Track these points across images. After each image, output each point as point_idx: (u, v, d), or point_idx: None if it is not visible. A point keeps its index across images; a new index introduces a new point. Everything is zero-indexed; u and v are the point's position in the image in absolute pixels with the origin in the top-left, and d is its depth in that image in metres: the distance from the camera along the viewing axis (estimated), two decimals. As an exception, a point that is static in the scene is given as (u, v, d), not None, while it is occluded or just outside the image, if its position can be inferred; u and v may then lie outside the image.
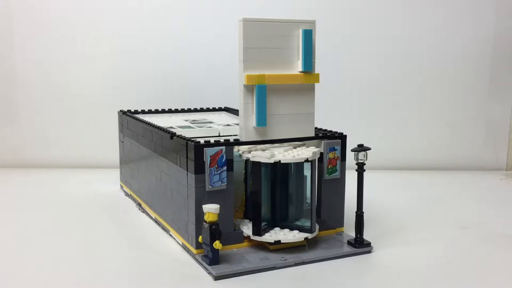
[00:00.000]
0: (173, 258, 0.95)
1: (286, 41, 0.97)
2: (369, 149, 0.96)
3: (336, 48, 1.64)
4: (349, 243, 0.98)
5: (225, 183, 0.93)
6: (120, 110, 1.40)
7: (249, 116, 0.96)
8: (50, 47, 1.64)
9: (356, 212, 0.98)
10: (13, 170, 1.64)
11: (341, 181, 1.04)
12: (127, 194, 1.36)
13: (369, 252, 0.97)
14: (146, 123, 1.18)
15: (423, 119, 1.70)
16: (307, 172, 0.99)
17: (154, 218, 1.15)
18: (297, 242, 0.95)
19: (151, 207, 1.16)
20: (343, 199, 1.05)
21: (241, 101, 0.95)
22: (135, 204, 1.27)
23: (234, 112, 1.43)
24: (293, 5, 1.62)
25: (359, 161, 0.96)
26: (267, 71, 0.96)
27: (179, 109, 1.46)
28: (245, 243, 0.97)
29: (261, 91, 0.94)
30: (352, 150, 0.96)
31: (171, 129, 1.13)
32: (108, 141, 1.57)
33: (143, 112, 1.41)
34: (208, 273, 0.88)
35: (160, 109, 1.44)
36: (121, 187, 1.41)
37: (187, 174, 0.94)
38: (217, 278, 0.86)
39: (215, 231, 0.87)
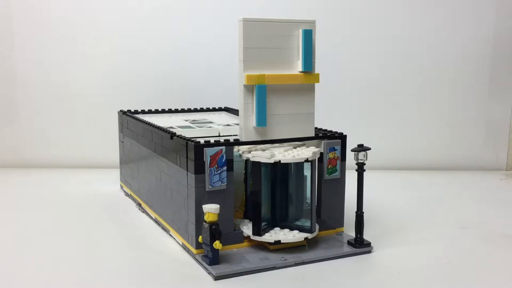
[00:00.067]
0: (173, 258, 0.95)
1: (286, 41, 0.97)
2: (369, 149, 0.96)
3: (336, 48, 1.64)
4: (349, 243, 0.98)
5: (225, 183, 0.93)
6: (120, 110, 1.40)
7: (249, 116, 0.96)
8: (50, 47, 1.64)
9: (356, 212, 0.98)
10: (13, 170, 1.64)
11: (341, 181, 1.04)
12: (127, 194, 1.36)
13: (369, 252, 0.97)
14: (146, 123, 1.18)
15: (423, 119, 1.70)
16: (307, 172, 0.99)
17: (154, 218, 1.15)
18: (297, 242, 0.95)
19: (151, 207, 1.16)
20: (343, 199, 1.05)
21: (241, 101, 0.95)
22: (135, 204, 1.27)
23: (234, 112, 1.43)
24: (293, 5, 1.62)
25: (359, 161, 0.96)
26: (267, 71, 0.96)
27: (179, 109, 1.46)
28: (245, 243, 0.97)
29: (261, 91, 0.94)
30: (352, 150, 0.96)
31: (171, 129, 1.13)
32: (108, 141, 1.57)
33: (143, 112, 1.41)
34: (208, 273, 0.88)
35: (160, 109, 1.44)
36: (121, 187, 1.41)
37: (187, 174, 0.94)
38: (217, 278, 0.86)
39: (215, 231, 0.87)
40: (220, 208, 0.89)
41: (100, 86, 1.66)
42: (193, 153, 0.91)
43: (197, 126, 1.23)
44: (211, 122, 1.30)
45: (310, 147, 1.00)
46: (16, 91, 1.66)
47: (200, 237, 0.90)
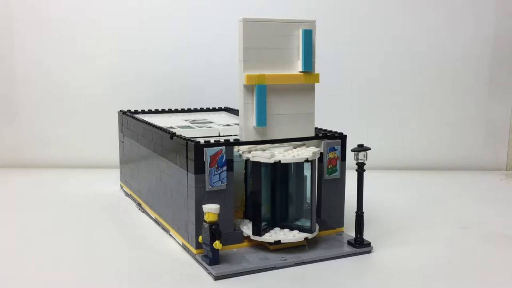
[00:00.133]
0: (173, 258, 0.95)
1: (286, 41, 0.97)
2: (369, 149, 0.96)
3: (336, 48, 1.64)
4: (349, 243, 0.98)
5: (225, 183, 0.93)
6: (120, 110, 1.40)
7: (249, 116, 0.96)
8: (50, 47, 1.64)
9: (356, 212, 0.98)
10: (13, 170, 1.64)
11: (341, 181, 1.04)
12: (127, 194, 1.36)
13: (369, 252, 0.97)
14: (146, 123, 1.18)
15: (423, 119, 1.70)
16: (307, 172, 0.99)
17: (154, 218, 1.15)
18: (297, 242, 0.95)
19: (151, 207, 1.16)
20: (343, 199, 1.05)
21: (241, 101, 0.95)
22: (135, 204, 1.27)
23: (234, 112, 1.43)
24: (293, 5, 1.62)
25: (359, 161, 0.96)
26: (267, 71, 0.96)
27: (179, 109, 1.46)
28: (245, 243, 0.97)
29: (261, 91, 0.94)
30: (352, 150, 0.96)
31: (171, 129, 1.13)
32: (108, 141, 1.57)
33: (143, 112, 1.41)
34: (208, 273, 0.88)
35: (160, 109, 1.44)
36: (121, 187, 1.41)
37: (187, 174, 0.94)
38: (217, 278, 0.86)
39: (215, 231, 0.87)
40: (220, 208, 0.89)
41: (100, 86, 1.66)
42: (193, 153, 0.91)
43: (197, 126, 1.23)
44: (211, 122, 1.30)
45: (310, 147, 1.00)
46: (16, 91, 1.66)
47: (200, 237, 0.90)
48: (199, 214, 0.91)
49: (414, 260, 0.95)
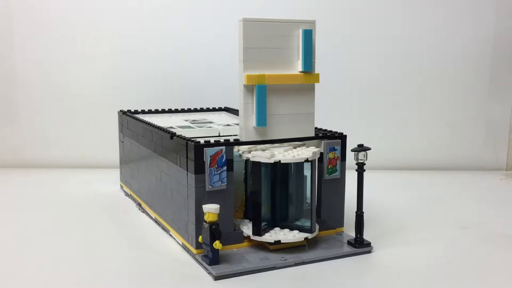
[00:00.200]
0: (173, 258, 0.95)
1: (286, 41, 0.97)
2: (369, 149, 0.96)
3: (336, 48, 1.64)
4: (349, 243, 0.98)
5: (225, 183, 0.93)
6: (120, 110, 1.40)
7: (249, 116, 0.96)
8: (50, 47, 1.64)
9: (356, 212, 0.98)
10: (13, 170, 1.64)
11: (341, 181, 1.04)
12: (127, 194, 1.36)
13: (369, 252, 0.97)
14: (146, 123, 1.18)
15: (423, 119, 1.70)
16: (307, 172, 0.99)
17: (154, 218, 1.15)
18: (297, 242, 0.95)
19: (151, 207, 1.16)
20: (343, 199, 1.05)
21: (241, 101, 0.95)
22: (135, 204, 1.27)
23: (234, 112, 1.43)
24: (293, 5, 1.62)
25: (359, 161, 0.96)
26: (267, 71, 0.96)
27: (179, 109, 1.46)
28: (245, 243, 0.97)
29: (261, 91, 0.94)
30: (352, 150, 0.96)
31: (171, 129, 1.13)
32: (108, 141, 1.57)
33: (143, 112, 1.41)
34: (208, 273, 0.88)
35: (160, 109, 1.44)
36: (121, 187, 1.41)
37: (187, 174, 0.94)
38: (217, 278, 0.86)
39: (215, 231, 0.87)
40: (220, 208, 0.89)
41: (100, 86, 1.66)
42: (193, 153, 0.91)
43: (197, 126, 1.23)
44: (211, 122, 1.30)
45: (310, 147, 1.00)
46: (16, 91, 1.66)
47: (200, 237, 0.90)
48: (199, 214, 0.91)
49: (414, 260, 0.95)
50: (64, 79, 1.66)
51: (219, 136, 1.16)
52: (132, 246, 1.01)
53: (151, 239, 1.05)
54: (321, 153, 1.01)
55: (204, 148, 0.91)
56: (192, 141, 0.93)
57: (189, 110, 1.47)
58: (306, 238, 0.95)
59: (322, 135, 1.03)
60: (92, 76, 1.66)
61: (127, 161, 1.35)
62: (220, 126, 1.22)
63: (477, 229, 1.12)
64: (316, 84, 1.01)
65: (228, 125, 1.24)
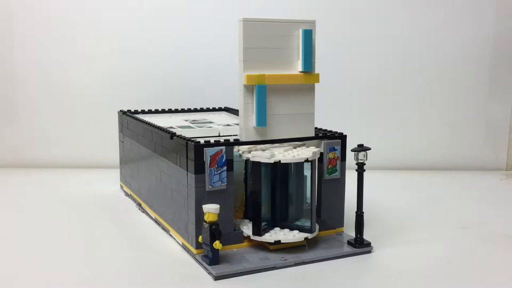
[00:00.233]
0: (173, 258, 0.95)
1: (286, 41, 0.97)
2: (369, 149, 0.96)
3: (336, 48, 1.64)
4: (349, 243, 0.98)
5: (225, 183, 0.93)
6: (120, 110, 1.40)
7: (249, 116, 0.96)
8: (50, 47, 1.64)
9: (356, 212, 0.98)
10: (13, 170, 1.64)
11: (341, 181, 1.04)
12: (127, 194, 1.36)
13: (369, 252, 0.97)
14: (146, 123, 1.18)
15: (423, 119, 1.70)
16: (307, 172, 0.99)
17: (154, 218, 1.15)
18: (297, 242, 0.95)
19: (151, 207, 1.16)
20: (343, 199, 1.05)
21: (241, 101, 0.95)
22: (135, 204, 1.27)
23: (234, 112, 1.43)
24: (293, 5, 1.62)
25: (359, 161, 0.96)
26: (267, 71, 0.96)
27: (179, 109, 1.46)
28: (245, 243, 0.97)
29: (261, 91, 0.94)
30: (352, 150, 0.96)
31: (171, 129, 1.13)
32: (108, 141, 1.57)
33: (143, 112, 1.41)
34: (208, 273, 0.88)
35: (160, 109, 1.44)
36: (121, 187, 1.41)
37: (187, 174, 0.94)
38: (217, 278, 0.86)
39: (215, 231, 0.87)
40: (220, 208, 0.89)
41: (100, 86, 1.66)
42: (193, 153, 0.91)
43: (197, 126, 1.23)
44: (211, 122, 1.30)
45: (310, 147, 1.00)
46: (16, 91, 1.66)
47: (200, 237, 0.90)
48: (199, 214, 0.91)
49: (414, 260, 0.95)
50: (64, 79, 1.66)
51: (219, 136, 1.16)
52: (132, 246, 1.01)
53: (151, 239, 1.05)
54: (321, 153, 1.01)
55: (204, 148, 0.91)
56: (192, 141, 0.93)
57: (189, 110, 1.47)
58: (306, 238, 0.95)
59: (322, 135, 1.03)
60: (92, 76, 1.66)
61: (127, 161, 1.35)
62: (220, 126, 1.22)
63: (477, 229, 1.12)
64: (316, 84, 1.01)
65: (228, 125, 1.24)
